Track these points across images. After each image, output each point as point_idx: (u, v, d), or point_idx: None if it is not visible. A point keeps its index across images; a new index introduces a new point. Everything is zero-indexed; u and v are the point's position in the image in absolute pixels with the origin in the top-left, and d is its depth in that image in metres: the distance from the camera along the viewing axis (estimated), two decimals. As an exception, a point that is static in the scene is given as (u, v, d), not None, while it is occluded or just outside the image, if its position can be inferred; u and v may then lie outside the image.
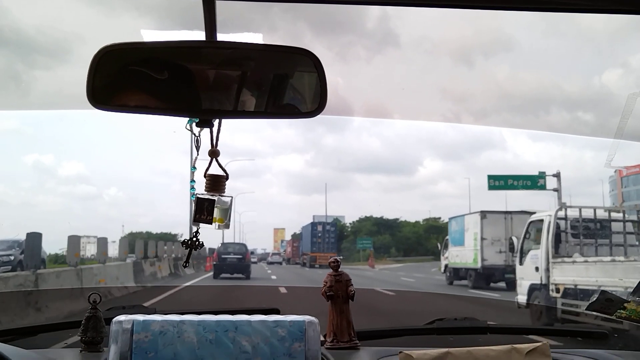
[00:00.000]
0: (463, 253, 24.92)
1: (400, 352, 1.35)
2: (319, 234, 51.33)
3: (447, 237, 27.97)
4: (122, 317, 1.41)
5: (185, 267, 1.66)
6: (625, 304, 1.63)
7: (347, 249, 70.75)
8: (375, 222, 72.19)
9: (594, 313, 1.65)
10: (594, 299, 1.64)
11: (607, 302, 1.64)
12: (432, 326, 2.01)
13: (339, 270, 1.55)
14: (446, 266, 27.22)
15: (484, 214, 23.92)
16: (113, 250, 28.03)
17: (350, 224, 76.99)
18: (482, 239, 23.27)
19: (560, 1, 1.25)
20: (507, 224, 23.35)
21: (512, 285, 22.57)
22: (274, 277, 29.61)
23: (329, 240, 51.44)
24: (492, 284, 23.38)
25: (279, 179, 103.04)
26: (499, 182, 26.12)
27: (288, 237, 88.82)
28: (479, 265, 23.18)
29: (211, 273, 27.73)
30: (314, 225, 52.86)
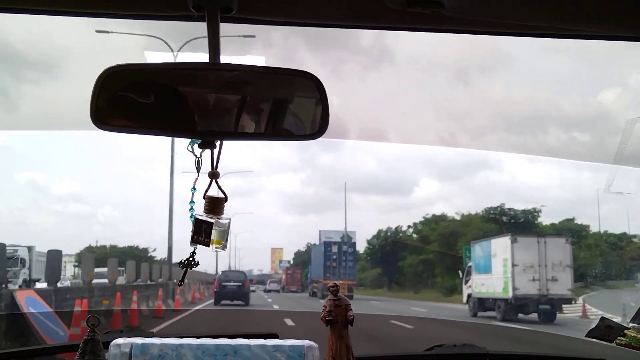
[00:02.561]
0: (490, 281, 24.76)
1: None
2: (334, 257, 44.74)
3: (470, 263, 27.95)
4: (120, 340, 1.55)
5: (180, 285, 1.80)
6: (625, 331, 1.76)
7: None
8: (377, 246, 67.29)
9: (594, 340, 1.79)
10: (594, 325, 1.78)
11: (607, 328, 1.77)
12: (431, 352, 2.13)
13: (339, 295, 1.69)
14: (469, 296, 27.07)
15: (514, 238, 23.85)
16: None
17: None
18: (514, 265, 23.16)
19: (559, 27, 1.41)
20: (540, 248, 23.30)
21: (547, 317, 22.55)
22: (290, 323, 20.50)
23: (347, 264, 44.77)
24: (521, 316, 23.34)
25: (274, 198, 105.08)
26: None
27: (286, 257, 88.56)
28: (509, 294, 23.01)
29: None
30: (327, 245, 46.33)
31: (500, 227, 48.85)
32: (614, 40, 1.49)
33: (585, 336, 1.85)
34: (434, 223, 58.65)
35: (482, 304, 25.64)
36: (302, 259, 75.04)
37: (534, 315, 23.04)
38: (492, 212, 53.36)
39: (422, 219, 62.93)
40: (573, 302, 24.06)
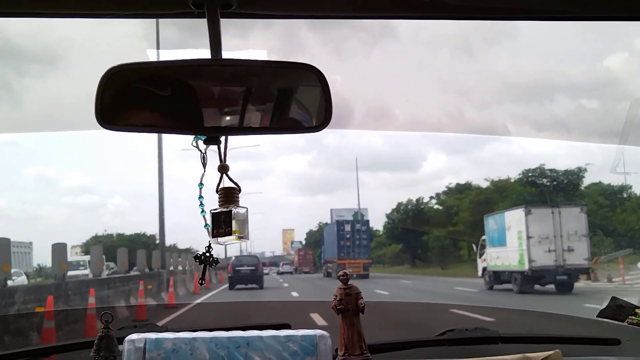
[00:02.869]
0: (505, 254, 24.86)
1: None
2: (347, 236, 44.29)
3: (484, 237, 28.03)
4: (134, 336, 1.59)
5: (201, 284, 1.83)
6: (637, 310, 1.79)
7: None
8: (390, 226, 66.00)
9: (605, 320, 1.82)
10: (605, 305, 1.81)
11: (618, 308, 1.80)
12: (444, 337, 2.17)
13: (349, 283, 1.73)
14: (484, 269, 27.23)
15: (528, 210, 23.86)
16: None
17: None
18: (529, 237, 23.24)
19: (563, 10, 1.41)
20: (555, 219, 23.32)
21: (564, 288, 22.58)
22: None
23: (361, 242, 44.29)
24: (538, 287, 23.43)
25: (282, 180, 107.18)
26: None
27: (297, 238, 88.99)
28: (526, 267, 23.14)
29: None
30: (339, 224, 45.82)
31: (541, 190, 46.33)
32: (619, 20, 1.49)
33: (597, 316, 1.88)
34: (458, 192, 56.61)
35: (497, 277, 25.78)
36: (315, 238, 75.00)
37: (551, 287, 23.15)
38: (530, 174, 49.97)
39: (445, 189, 60.60)
40: (590, 271, 24.10)
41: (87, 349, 1.80)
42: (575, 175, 47.73)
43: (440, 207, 60.05)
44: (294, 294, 22.72)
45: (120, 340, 1.60)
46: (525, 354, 1.62)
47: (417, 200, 62.70)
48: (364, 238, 44.86)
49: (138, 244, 46.32)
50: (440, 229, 54.37)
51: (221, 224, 1.43)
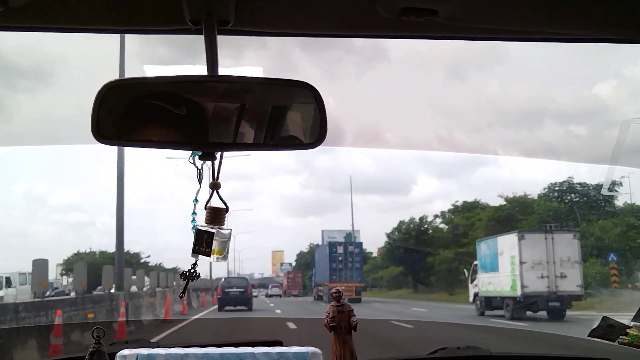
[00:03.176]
0: (497, 280, 24.84)
1: None
2: (339, 258, 43.36)
3: (476, 262, 28.02)
4: (126, 352, 1.61)
5: (181, 297, 1.86)
6: (628, 330, 1.82)
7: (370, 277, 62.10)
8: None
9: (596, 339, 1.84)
10: (596, 325, 1.84)
11: (609, 328, 1.83)
12: (435, 356, 2.19)
13: (341, 300, 1.75)
14: (476, 295, 27.21)
15: (521, 235, 23.92)
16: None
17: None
18: (521, 262, 23.25)
19: (554, 32, 1.46)
20: (548, 244, 23.38)
21: (556, 315, 22.52)
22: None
23: (353, 265, 43.27)
24: (529, 314, 23.37)
25: (272, 201, 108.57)
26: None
27: (287, 260, 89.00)
28: (518, 292, 23.11)
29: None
30: (332, 246, 44.82)
31: (571, 206, 42.80)
32: (607, 42, 1.54)
33: (588, 335, 1.91)
34: (466, 210, 53.49)
35: (489, 302, 25.75)
36: (305, 259, 74.48)
37: (542, 314, 23.11)
38: (557, 189, 46.31)
39: (452, 207, 57.44)
40: (582, 299, 24.11)
41: None
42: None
43: (446, 226, 57.34)
44: (290, 325, 19.09)
45: (112, 356, 1.61)
46: None
47: (421, 218, 59.55)
48: (357, 261, 43.94)
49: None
50: (447, 250, 50.47)
51: (203, 243, 1.46)
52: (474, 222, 49.55)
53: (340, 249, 44.13)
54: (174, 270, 56.05)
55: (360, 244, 48.61)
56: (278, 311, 29.78)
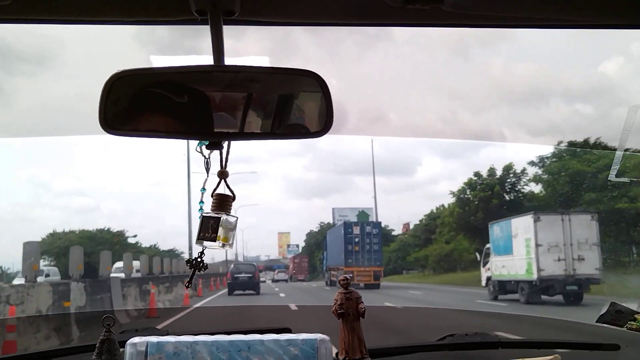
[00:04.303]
0: (511, 263, 24.87)
1: None
2: (356, 240, 40.05)
3: (488, 245, 28.08)
4: (136, 339, 1.69)
5: (187, 287, 1.94)
6: (636, 316, 1.90)
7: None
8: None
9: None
10: (604, 310, 1.92)
11: (617, 313, 1.90)
12: (444, 342, 2.27)
13: (349, 288, 1.83)
14: (488, 279, 27.29)
15: (537, 217, 23.80)
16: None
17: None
18: (537, 245, 23.19)
19: (559, 18, 1.52)
20: (565, 226, 23.35)
21: (574, 299, 22.53)
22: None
23: (371, 247, 39.91)
24: (545, 298, 23.45)
25: (277, 184, 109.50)
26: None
27: (293, 241, 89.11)
28: (534, 276, 23.10)
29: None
30: (347, 227, 41.35)
31: None
32: (613, 28, 1.59)
33: (596, 321, 1.98)
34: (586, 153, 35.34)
35: (502, 287, 25.78)
36: (316, 239, 73.07)
37: (559, 297, 23.18)
38: None
39: (554, 151, 39.44)
40: (601, 282, 24.15)
41: (89, 352, 1.89)
42: None
43: (538, 186, 42.76)
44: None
45: (122, 344, 1.70)
46: (525, 359, 1.72)
47: (507, 167, 45.51)
48: (375, 242, 40.69)
49: (101, 242, 43.39)
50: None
51: (208, 229, 1.52)
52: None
53: (356, 230, 40.93)
54: (172, 253, 54.16)
55: (379, 223, 45.72)
56: (285, 297, 29.58)
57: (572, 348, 2.23)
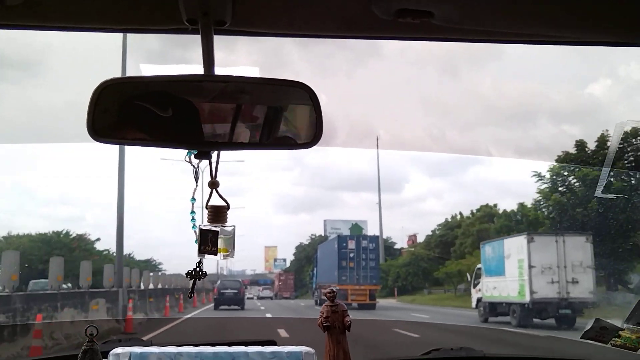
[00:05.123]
0: (503, 284, 24.88)
1: None
2: (351, 255, 37.96)
3: (479, 265, 28.08)
4: (119, 350, 1.72)
5: (190, 297, 2.00)
6: (620, 332, 1.95)
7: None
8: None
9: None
10: (589, 327, 1.97)
11: (601, 330, 1.95)
12: (429, 357, 2.32)
13: (335, 301, 1.87)
14: (479, 300, 27.31)
15: (531, 237, 23.83)
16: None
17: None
18: (530, 266, 23.20)
19: (549, 34, 1.57)
20: (559, 247, 23.39)
21: (566, 322, 22.50)
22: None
23: (368, 264, 37.89)
24: (536, 321, 23.42)
25: (264, 198, 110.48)
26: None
27: (280, 256, 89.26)
28: (527, 298, 23.12)
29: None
30: (341, 241, 39.42)
31: None
32: (603, 45, 1.65)
33: (581, 337, 2.03)
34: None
35: (493, 308, 25.84)
36: (307, 253, 71.81)
37: (550, 321, 23.19)
38: None
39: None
40: (594, 306, 24.18)
41: None
42: None
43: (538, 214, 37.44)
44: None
45: (105, 354, 1.72)
46: None
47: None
48: (372, 258, 38.50)
49: (57, 247, 41.11)
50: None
51: (208, 242, 1.57)
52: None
53: (351, 244, 38.63)
54: (148, 263, 52.86)
55: (376, 237, 43.06)
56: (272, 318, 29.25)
57: None
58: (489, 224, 49.02)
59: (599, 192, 2.15)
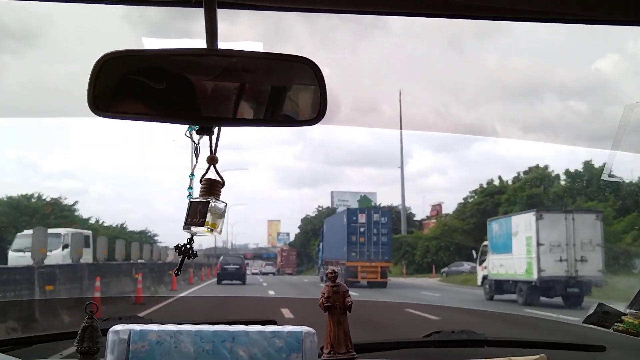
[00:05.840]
0: (510, 262, 24.91)
1: None
2: (361, 229, 36.00)
3: (485, 242, 28.15)
4: (118, 327, 1.73)
5: (177, 275, 1.99)
6: (622, 317, 1.97)
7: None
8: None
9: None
10: (592, 311, 1.99)
11: (604, 314, 1.97)
12: (430, 339, 2.33)
13: (337, 281, 1.89)
14: (484, 277, 27.39)
15: (539, 214, 23.77)
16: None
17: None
18: (539, 244, 23.15)
19: (562, 12, 1.57)
20: (568, 225, 23.37)
21: (574, 301, 22.55)
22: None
23: (379, 239, 35.98)
24: (544, 299, 23.49)
25: (267, 173, 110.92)
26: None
27: (283, 230, 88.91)
28: (534, 276, 23.12)
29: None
30: (351, 214, 37.55)
31: None
32: (611, 24, 1.65)
33: (583, 322, 2.05)
34: None
35: (499, 286, 25.85)
36: (313, 225, 70.73)
37: (558, 299, 23.26)
38: None
39: None
40: (603, 285, 24.21)
41: (70, 339, 1.94)
42: None
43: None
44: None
45: (104, 332, 1.74)
46: (511, 358, 1.79)
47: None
48: (384, 233, 36.49)
49: (26, 213, 39.15)
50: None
51: (196, 214, 1.55)
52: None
53: (362, 218, 36.72)
54: (143, 234, 50.29)
55: (389, 211, 41.72)
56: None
57: (559, 348, 2.29)
58: (540, 187, 44.78)
59: (605, 176, 2.16)
